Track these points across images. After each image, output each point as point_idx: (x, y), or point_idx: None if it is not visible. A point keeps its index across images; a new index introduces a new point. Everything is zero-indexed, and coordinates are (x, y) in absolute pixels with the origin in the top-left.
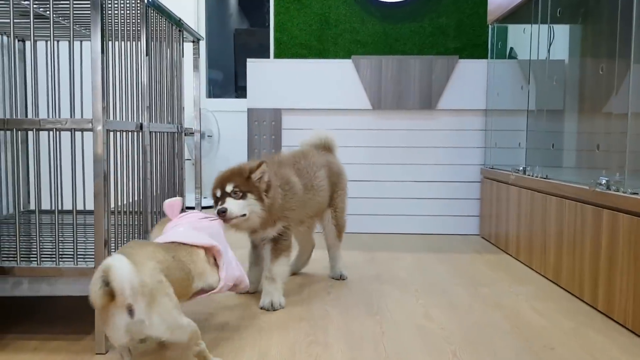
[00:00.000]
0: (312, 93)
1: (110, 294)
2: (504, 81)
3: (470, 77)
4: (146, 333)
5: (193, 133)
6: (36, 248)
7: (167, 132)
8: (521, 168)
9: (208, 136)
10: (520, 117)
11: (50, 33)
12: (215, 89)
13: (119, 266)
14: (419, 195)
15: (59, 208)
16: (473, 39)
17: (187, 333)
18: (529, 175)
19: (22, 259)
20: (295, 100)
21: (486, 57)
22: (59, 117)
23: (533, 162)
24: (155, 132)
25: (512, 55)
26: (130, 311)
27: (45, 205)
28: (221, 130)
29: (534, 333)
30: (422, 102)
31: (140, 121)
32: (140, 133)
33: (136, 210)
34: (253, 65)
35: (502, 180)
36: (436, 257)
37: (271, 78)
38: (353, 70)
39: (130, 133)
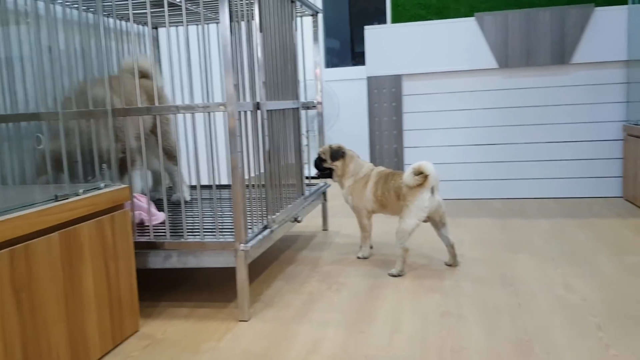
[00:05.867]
0: (433, 56)
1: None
2: None
3: (608, 27)
4: (436, 206)
5: (315, 106)
6: (182, 224)
7: (285, 109)
8: None
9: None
10: None
11: (183, 19)
12: (333, 59)
13: (431, 165)
14: (553, 157)
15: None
16: None
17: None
18: None
19: (171, 234)
20: (416, 65)
21: (625, 3)
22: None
23: None
24: (272, 110)
25: None
26: (432, 191)
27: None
28: (340, 100)
29: None
30: (554, 57)
31: (257, 100)
32: (259, 112)
33: (259, 183)
34: (371, 33)
35: None
36: (575, 223)
37: (389, 44)
38: (477, 28)
39: (248, 112)
